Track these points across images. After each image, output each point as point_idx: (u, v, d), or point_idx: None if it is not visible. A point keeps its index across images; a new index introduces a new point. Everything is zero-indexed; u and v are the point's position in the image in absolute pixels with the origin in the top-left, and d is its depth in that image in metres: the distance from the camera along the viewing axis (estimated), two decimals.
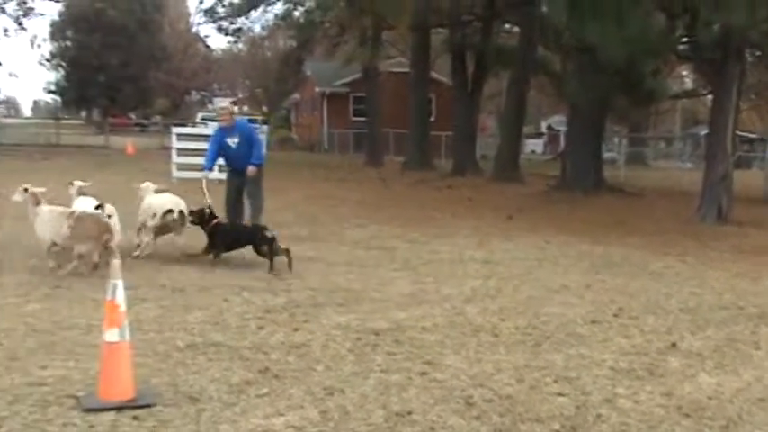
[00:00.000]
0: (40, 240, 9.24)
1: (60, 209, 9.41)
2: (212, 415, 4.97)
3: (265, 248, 9.91)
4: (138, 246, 10.58)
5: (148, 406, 5.04)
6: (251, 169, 12.41)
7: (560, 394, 5.60)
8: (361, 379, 5.75)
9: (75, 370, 5.70)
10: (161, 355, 6.14)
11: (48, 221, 9.12)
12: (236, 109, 13.78)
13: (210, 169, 12.84)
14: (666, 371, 6.23)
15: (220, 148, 12.62)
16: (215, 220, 10.53)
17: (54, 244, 9.13)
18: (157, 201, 10.83)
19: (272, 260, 9.78)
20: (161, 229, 10.64)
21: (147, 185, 11.40)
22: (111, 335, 5.06)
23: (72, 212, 9.26)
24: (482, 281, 9.68)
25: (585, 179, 22.67)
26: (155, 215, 10.50)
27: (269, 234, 9.99)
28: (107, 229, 9.14)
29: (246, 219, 12.62)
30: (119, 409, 4.95)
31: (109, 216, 9.92)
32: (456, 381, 5.78)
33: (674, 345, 6.97)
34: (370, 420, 4.98)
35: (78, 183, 11.62)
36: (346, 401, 5.28)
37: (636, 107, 34.09)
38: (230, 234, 10.51)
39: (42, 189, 9.54)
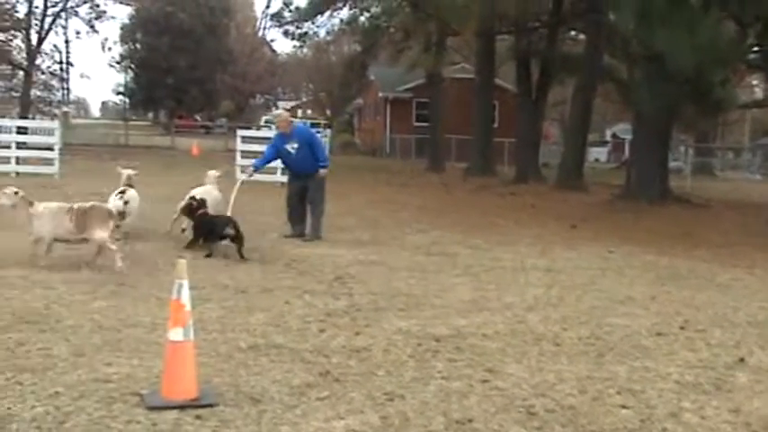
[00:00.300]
0: (38, 239, 9.32)
1: (57, 204, 9.63)
2: (273, 416, 4.99)
3: (233, 235, 10.70)
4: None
5: (211, 406, 5.08)
6: (322, 172, 12.55)
7: (624, 407, 5.51)
8: (421, 385, 5.73)
9: (139, 368, 5.77)
10: (223, 355, 6.19)
11: (47, 219, 9.24)
12: (286, 115, 13.95)
13: (257, 169, 13.20)
14: (734, 386, 6.09)
15: (279, 154, 12.81)
16: (200, 211, 11.20)
17: (55, 240, 9.36)
18: (196, 191, 11.92)
19: (239, 248, 10.59)
20: None
21: (212, 173, 13.02)
22: (175, 334, 5.11)
23: (71, 207, 9.42)
24: (544, 289, 9.59)
25: (651, 188, 22.34)
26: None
27: (231, 229, 10.74)
28: (111, 216, 9.49)
29: (307, 223, 12.75)
30: (182, 408, 4.99)
31: (126, 202, 10.64)
32: (518, 390, 5.73)
33: (741, 359, 6.81)
34: (431, 427, 4.95)
35: (127, 171, 12.19)
36: (407, 407, 5.26)
37: (704, 116, 33.53)
38: (207, 225, 11.02)
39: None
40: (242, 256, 10.50)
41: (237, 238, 10.68)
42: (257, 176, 14.07)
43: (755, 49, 20.23)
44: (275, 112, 15.20)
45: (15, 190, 9.37)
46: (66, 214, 9.24)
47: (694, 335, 7.65)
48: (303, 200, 12.82)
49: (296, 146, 12.61)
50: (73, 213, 9.20)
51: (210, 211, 11.48)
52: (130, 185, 12.18)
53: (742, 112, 51.56)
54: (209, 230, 10.96)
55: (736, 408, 5.59)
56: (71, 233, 9.22)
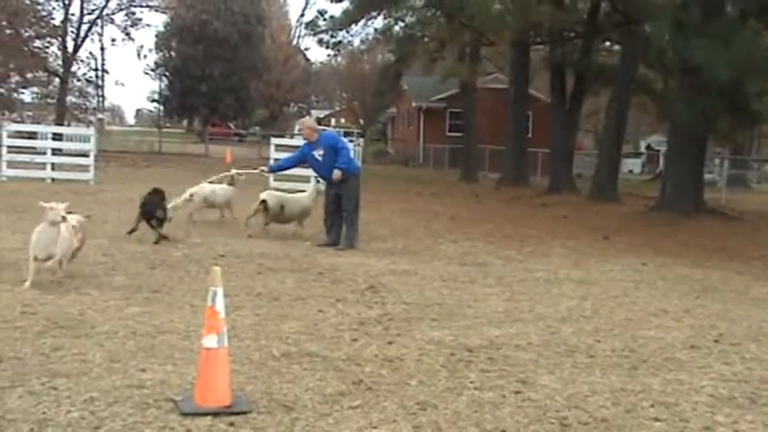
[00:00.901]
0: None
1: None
2: (306, 424, 5.01)
3: (154, 222, 12.09)
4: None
5: (244, 413, 5.11)
6: (336, 173, 12.58)
7: (657, 419, 5.47)
8: (454, 395, 5.73)
9: (173, 374, 5.81)
10: (256, 363, 6.22)
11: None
12: (311, 122, 14.21)
13: (272, 171, 13.87)
14: None
15: (305, 161, 13.08)
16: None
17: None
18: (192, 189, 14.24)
19: (157, 232, 12.12)
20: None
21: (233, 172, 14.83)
22: (209, 341, 5.15)
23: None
24: (577, 301, 9.55)
25: (685, 201, 22.15)
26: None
27: (160, 214, 12.18)
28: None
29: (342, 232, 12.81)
30: (215, 414, 5.03)
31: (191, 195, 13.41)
32: (550, 401, 5.71)
33: None
34: None
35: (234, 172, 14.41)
36: (439, 417, 5.26)
37: (740, 128, 33.23)
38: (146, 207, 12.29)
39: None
40: (159, 237, 12.09)
41: (159, 221, 12.15)
42: (294, 185, 14.31)
43: None
44: (299, 122, 15.33)
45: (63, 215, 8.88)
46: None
47: (729, 348, 7.58)
48: (339, 208, 12.87)
49: (322, 152, 12.72)
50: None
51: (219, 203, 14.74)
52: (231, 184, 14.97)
53: None
54: (147, 213, 12.22)
55: None
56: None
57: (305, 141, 13.40)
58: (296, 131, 56.37)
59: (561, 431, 5.16)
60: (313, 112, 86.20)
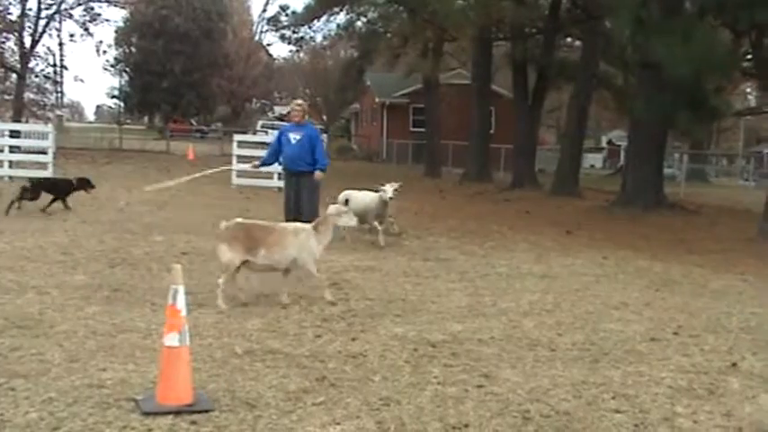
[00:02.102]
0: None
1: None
2: (269, 422, 5.00)
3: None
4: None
5: (206, 411, 5.08)
6: (318, 174, 12.36)
7: (618, 411, 5.53)
8: (417, 390, 5.74)
9: (134, 373, 5.77)
10: (219, 361, 6.19)
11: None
12: (305, 105, 13.64)
13: (264, 164, 12.92)
14: (726, 391, 6.12)
15: (280, 144, 12.45)
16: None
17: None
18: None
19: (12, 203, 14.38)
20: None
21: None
22: (171, 339, 5.12)
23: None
24: (540, 295, 9.62)
25: (646, 195, 22.36)
26: None
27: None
28: None
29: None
30: (177, 413, 5.00)
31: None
32: (513, 395, 5.74)
33: (734, 365, 6.84)
34: None
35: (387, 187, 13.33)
36: (403, 413, 5.27)
37: (698, 124, 33.62)
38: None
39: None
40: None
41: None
42: (258, 182, 14.07)
43: (749, 57, 20.29)
44: (295, 102, 14.57)
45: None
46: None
47: (688, 340, 7.68)
48: (300, 202, 12.58)
49: (298, 137, 12.34)
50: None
51: None
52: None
53: (736, 120, 51.71)
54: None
55: (729, 412, 5.62)
56: None
57: (290, 122, 12.91)
58: (258, 128, 56.21)
59: (523, 424, 5.19)
60: (276, 108, 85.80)
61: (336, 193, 13.92)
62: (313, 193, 12.44)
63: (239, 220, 8.73)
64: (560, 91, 38.65)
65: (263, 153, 13.84)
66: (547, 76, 32.09)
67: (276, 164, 12.98)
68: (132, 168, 28.80)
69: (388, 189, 13.17)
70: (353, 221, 9.76)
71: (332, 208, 9.02)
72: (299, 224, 9.04)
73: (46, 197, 14.88)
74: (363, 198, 13.51)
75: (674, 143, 46.11)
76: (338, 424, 5.02)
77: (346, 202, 12.91)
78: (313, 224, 8.75)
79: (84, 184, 15.85)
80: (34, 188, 15.05)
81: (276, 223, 8.95)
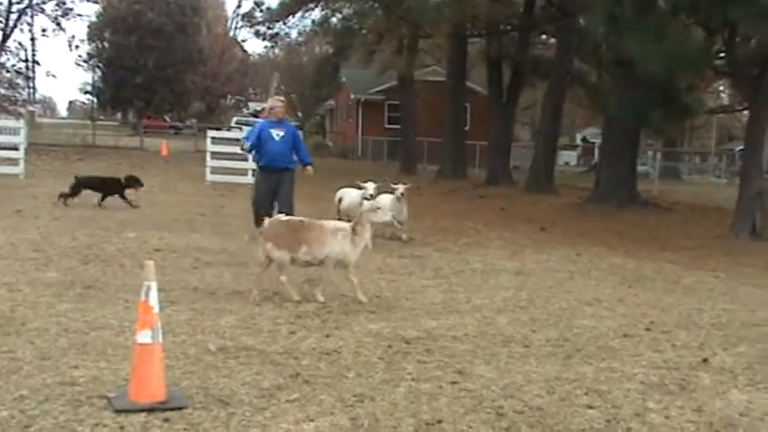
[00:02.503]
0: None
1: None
2: (242, 419, 4.98)
3: None
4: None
5: (179, 408, 5.06)
6: (309, 169, 12.35)
7: (591, 407, 5.56)
8: (391, 387, 5.74)
9: (106, 370, 5.74)
10: (192, 358, 6.17)
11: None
12: (284, 101, 13.51)
13: (249, 151, 12.72)
14: (698, 386, 6.17)
15: (260, 140, 12.31)
16: None
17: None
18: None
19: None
20: None
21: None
22: (143, 336, 5.09)
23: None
24: (514, 292, 9.65)
25: (619, 192, 22.52)
26: None
27: None
28: None
29: None
30: (150, 410, 4.97)
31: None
32: (486, 391, 5.76)
33: (705, 360, 6.90)
34: (400, 429, 4.97)
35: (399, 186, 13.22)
36: (376, 409, 5.28)
37: (672, 121, 33.85)
38: None
39: None
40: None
41: None
42: (232, 178, 13.96)
43: (722, 55, 20.44)
44: (269, 100, 14.32)
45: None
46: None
47: (660, 336, 7.74)
48: (274, 199, 12.50)
49: (282, 134, 12.29)
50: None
51: None
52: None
53: (709, 117, 52.04)
54: None
55: (700, 407, 5.66)
56: None
57: (264, 120, 12.83)
58: (233, 124, 55.96)
59: (497, 420, 5.21)
60: (250, 104, 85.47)
61: (318, 189, 13.90)
62: (291, 188, 12.46)
63: (282, 217, 8.72)
64: (535, 88, 38.79)
65: (236, 149, 13.75)
66: (521, 74, 32.22)
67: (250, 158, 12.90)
68: (105, 165, 28.55)
69: (369, 187, 13.00)
70: (388, 216, 9.71)
71: (366, 205, 8.86)
72: (338, 223, 8.97)
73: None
74: (357, 197, 13.22)
75: (647, 141, 46.42)
76: (312, 420, 5.02)
77: (339, 201, 12.89)
78: (351, 224, 8.65)
79: (134, 183, 15.73)
80: (77, 185, 15.31)
81: (315, 220, 8.90)
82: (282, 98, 13.45)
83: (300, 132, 13.87)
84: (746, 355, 7.22)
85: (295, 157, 12.51)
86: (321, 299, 8.44)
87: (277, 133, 12.18)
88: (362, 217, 8.65)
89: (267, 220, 8.61)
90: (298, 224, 8.61)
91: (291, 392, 5.50)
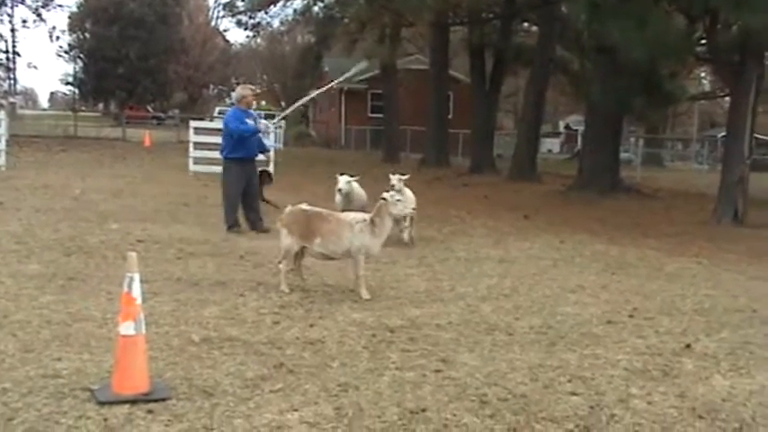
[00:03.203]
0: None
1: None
2: (226, 409, 4.98)
3: None
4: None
5: (163, 400, 5.04)
6: (269, 154, 12.26)
7: (574, 394, 5.58)
8: (375, 376, 5.75)
9: (89, 362, 5.72)
10: (176, 349, 6.15)
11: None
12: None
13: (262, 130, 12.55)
14: (681, 372, 6.20)
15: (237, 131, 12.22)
16: None
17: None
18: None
19: None
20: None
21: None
22: (126, 328, 5.07)
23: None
24: (497, 279, 9.67)
25: (602, 179, 22.61)
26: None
27: None
28: None
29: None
30: (133, 402, 4.96)
31: None
32: (470, 379, 5.77)
33: (688, 346, 6.94)
34: (385, 418, 4.98)
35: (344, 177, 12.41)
36: (361, 398, 5.28)
37: (654, 108, 33.97)
38: None
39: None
40: None
41: None
42: (215, 168, 13.84)
43: (703, 41, 20.52)
44: (243, 88, 14.02)
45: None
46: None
47: (643, 322, 7.77)
48: (246, 189, 12.44)
49: (252, 123, 12.30)
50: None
51: None
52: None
53: (691, 104, 52.30)
54: None
55: (683, 393, 5.69)
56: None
57: (235, 109, 12.71)
58: (216, 114, 55.75)
59: (480, 408, 5.22)
60: (233, 94, 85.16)
61: (299, 179, 13.87)
62: (256, 176, 12.49)
63: (303, 206, 8.63)
64: (518, 76, 38.87)
65: (219, 139, 13.66)
66: (504, 61, 32.26)
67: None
68: (88, 156, 28.46)
69: (341, 181, 12.55)
70: (409, 209, 9.58)
71: (385, 196, 8.67)
72: (358, 215, 8.76)
73: None
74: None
75: (630, 128, 46.56)
76: (296, 410, 5.01)
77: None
78: (371, 216, 8.44)
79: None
80: None
81: (334, 212, 8.82)
82: (252, 87, 13.36)
83: (282, 122, 13.79)
84: (729, 340, 7.27)
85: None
86: (366, 296, 8.22)
87: (251, 123, 12.19)
88: (382, 209, 8.40)
89: (288, 207, 8.55)
90: (316, 214, 8.48)
91: (275, 382, 5.50)
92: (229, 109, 14.29)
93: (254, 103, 12.55)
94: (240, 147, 12.27)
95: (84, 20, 77.77)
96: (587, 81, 25.02)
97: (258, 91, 14.11)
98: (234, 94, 12.73)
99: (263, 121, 12.76)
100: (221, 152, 12.52)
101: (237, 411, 4.96)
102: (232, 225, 12.36)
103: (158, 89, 79.31)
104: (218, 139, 13.98)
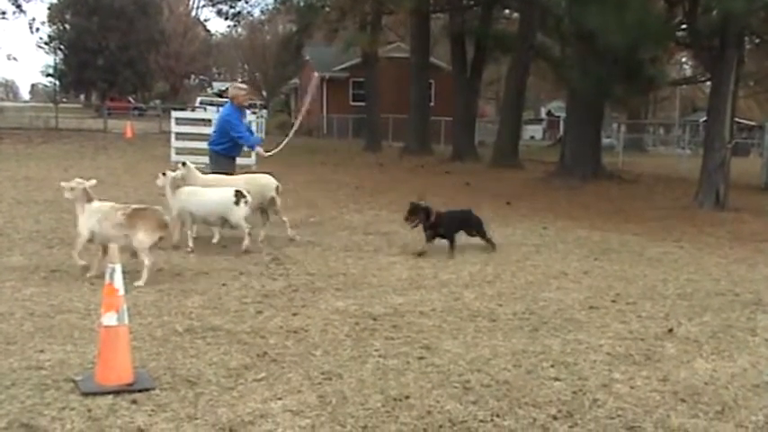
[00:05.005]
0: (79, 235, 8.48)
1: (110, 204, 8.58)
2: (210, 399, 4.98)
3: None
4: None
5: (147, 390, 5.05)
6: (261, 151, 12.24)
7: (557, 379, 5.61)
8: (359, 364, 5.76)
9: (73, 354, 5.71)
10: (159, 339, 6.15)
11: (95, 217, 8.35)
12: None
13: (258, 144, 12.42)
14: (663, 356, 6.24)
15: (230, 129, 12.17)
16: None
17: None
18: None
19: None
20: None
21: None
22: (109, 319, 5.07)
23: (124, 207, 8.42)
24: (480, 266, 9.70)
25: (584, 165, 22.66)
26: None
27: None
28: (161, 225, 8.29)
29: None
30: (117, 392, 4.96)
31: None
32: (453, 365, 5.80)
33: (670, 330, 6.98)
34: (368, 405, 5.00)
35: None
36: (344, 386, 5.29)
37: (635, 94, 34.08)
38: None
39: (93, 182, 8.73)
40: None
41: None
42: (197, 159, 13.76)
43: (684, 26, 20.58)
44: (234, 84, 13.76)
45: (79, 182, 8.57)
46: (116, 213, 8.25)
47: (625, 307, 7.82)
48: None
49: (244, 121, 12.30)
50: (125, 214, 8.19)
51: None
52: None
53: (672, 89, 52.39)
54: None
55: (665, 377, 5.74)
56: (116, 234, 8.13)
57: (229, 106, 12.61)
58: (197, 104, 55.53)
59: (464, 394, 5.24)
60: (215, 84, 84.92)
61: (280, 167, 13.82)
62: None
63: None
64: (499, 63, 38.83)
65: (204, 130, 13.57)
66: (485, 49, 32.26)
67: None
68: (69, 147, 28.32)
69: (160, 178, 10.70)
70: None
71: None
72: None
73: None
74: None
75: (611, 113, 46.63)
76: (280, 399, 5.03)
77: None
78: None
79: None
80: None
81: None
82: (244, 85, 13.34)
83: (264, 111, 13.74)
84: (711, 324, 7.32)
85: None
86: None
87: (243, 120, 12.21)
88: None
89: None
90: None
91: (259, 371, 5.51)
92: (210, 99, 14.19)
93: (247, 100, 12.54)
94: (233, 145, 12.23)
95: (63, 11, 77.17)
96: (568, 67, 25.03)
97: (245, 86, 13.96)
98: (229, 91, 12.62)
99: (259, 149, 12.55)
100: (210, 143, 12.44)
101: (221, 401, 4.96)
102: None
103: (139, 80, 78.84)
104: (201, 130, 13.92)
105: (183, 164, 10.50)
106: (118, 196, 14.82)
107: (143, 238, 7.98)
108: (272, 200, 10.94)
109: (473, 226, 10.99)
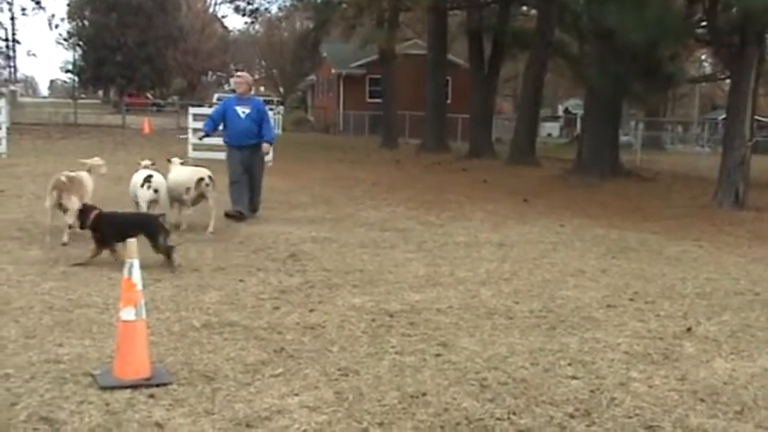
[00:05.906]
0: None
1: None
2: (227, 394, 4.99)
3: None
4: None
5: (164, 384, 5.07)
6: (265, 146, 12.33)
7: (574, 378, 5.59)
8: (375, 360, 5.76)
9: (91, 348, 5.74)
10: (176, 334, 6.17)
11: None
12: (250, 78, 13.53)
13: (208, 134, 12.78)
14: (681, 356, 6.21)
15: (224, 118, 12.35)
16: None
17: None
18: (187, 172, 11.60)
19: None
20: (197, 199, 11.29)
21: (176, 160, 12.06)
22: (127, 313, 5.08)
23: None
24: (497, 264, 9.67)
25: (602, 163, 22.57)
26: (188, 188, 11.16)
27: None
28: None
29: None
30: (134, 387, 4.98)
31: (156, 190, 10.59)
32: (470, 363, 5.78)
33: (689, 330, 6.94)
34: (385, 402, 4.99)
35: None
36: (361, 383, 5.29)
37: (654, 91, 33.90)
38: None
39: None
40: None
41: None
42: (215, 155, 13.83)
43: (704, 23, 20.46)
44: (237, 74, 13.94)
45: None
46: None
47: (643, 306, 7.78)
48: (245, 174, 12.42)
49: (247, 111, 12.27)
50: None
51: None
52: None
53: (691, 87, 52.09)
54: None
55: (683, 376, 5.70)
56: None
57: (230, 96, 12.85)
58: (215, 100, 55.65)
59: (481, 392, 5.23)
60: (232, 80, 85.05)
61: (294, 165, 13.87)
62: (263, 165, 12.55)
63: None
64: (516, 60, 38.68)
65: (221, 125, 13.65)
66: (503, 45, 32.13)
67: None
68: (88, 143, 28.43)
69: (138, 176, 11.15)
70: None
71: None
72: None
73: None
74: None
75: (629, 111, 46.42)
76: (297, 395, 5.03)
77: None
78: None
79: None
80: None
81: None
82: (243, 74, 13.44)
83: (281, 108, 13.82)
84: (730, 323, 7.27)
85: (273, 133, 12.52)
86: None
87: (243, 111, 12.26)
88: None
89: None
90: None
91: (276, 367, 5.51)
92: (227, 95, 14.33)
93: (250, 89, 12.64)
94: (229, 134, 12.51)
95: (83, 7, 77.60)
96: (586, 65, 24.95)
97: (242, 74, 14.03)
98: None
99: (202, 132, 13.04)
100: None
101: (238, 396, 4.97)
102: (229, 212, 12.21)
103: (157, 76, 79.18)
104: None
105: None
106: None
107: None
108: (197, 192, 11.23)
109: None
